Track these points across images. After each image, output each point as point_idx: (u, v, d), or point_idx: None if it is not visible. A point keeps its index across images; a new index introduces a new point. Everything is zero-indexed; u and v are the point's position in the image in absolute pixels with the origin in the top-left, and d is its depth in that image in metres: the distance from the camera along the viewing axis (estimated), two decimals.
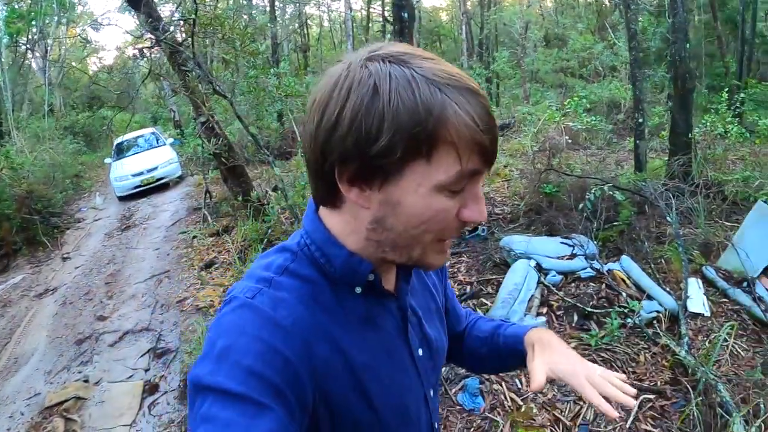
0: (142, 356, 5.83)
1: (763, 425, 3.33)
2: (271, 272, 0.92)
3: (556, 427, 3.70)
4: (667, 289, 5.03)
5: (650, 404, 3.84)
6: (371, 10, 30.84)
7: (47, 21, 25.09)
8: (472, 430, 3.77)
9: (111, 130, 19.48)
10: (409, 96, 0.77)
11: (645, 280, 5.08)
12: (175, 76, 8.63)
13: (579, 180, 7.05)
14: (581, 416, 3.77)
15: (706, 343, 4.35)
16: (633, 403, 1.07)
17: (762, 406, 3.47)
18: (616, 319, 4.55)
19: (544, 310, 4.94)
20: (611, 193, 5.98)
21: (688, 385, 3.87)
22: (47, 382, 5.61)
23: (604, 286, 5.11)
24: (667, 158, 8.05)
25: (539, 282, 5.18)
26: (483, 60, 23.78)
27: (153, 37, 7.87)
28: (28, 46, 24.08)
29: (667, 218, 5.62)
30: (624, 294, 4.93)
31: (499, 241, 6.01)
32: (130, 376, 5.49)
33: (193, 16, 7.40)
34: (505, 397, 3.98)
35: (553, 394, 3.98)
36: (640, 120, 7.95)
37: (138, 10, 8.05)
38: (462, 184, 0.83)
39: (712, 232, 6.08)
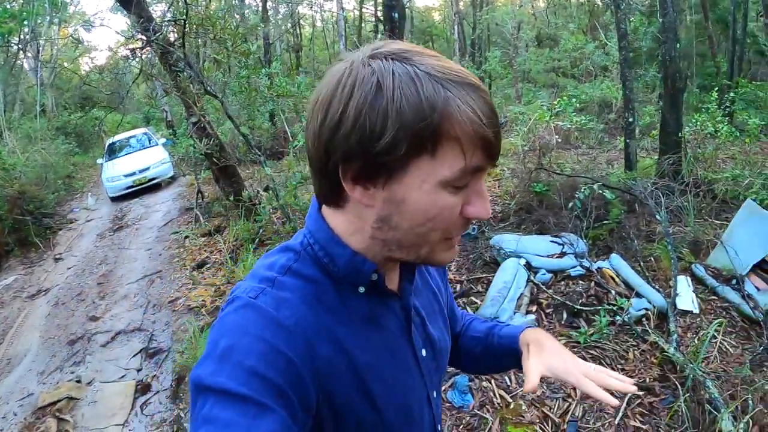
0: (134, 356, 5.83)
1: (751, 421, 3.36)
2: (274, 272, 0.92)
3: (545, 423, 3.73)
4: (657, 286, 5.07)
5: (639, 401, 3.87)
6: (364, 10, 30.86)
7: (39, 21, 24.98)
8: (461, 427, 3.79)
9: (103, 131, 19.42)
10: (412, 92, 0.77)
11: (634, 278, 5.11)
12: (166, 77, 8.62)
13: (569, 179, 7.07)
14: (570, 413, 3.79)
15: (695, 340, 4.39)
16: (634, 389, 1.07)
17: (750, 402, 3.50)
18: (605, 316, 4.58)
19: (534, 308, 4.96)
20: (601, 191, 6.00)
21: (676, 382, 3.90)
22: (40, 382, 5.60)
23: (593, 284, 5.14)
24: (657, 157, 8.09)
25: (529, 280, 5.20)
26: (475, 60, 23.80)
27: (144, 37, 7.86)
28: (20, 46, 23.95)
29: (657, 216, 5.66)
30: (613, 292, 4.97)
31: (490, 239, 6.04)
32: (123, 376, 5.49)
33: (184, 17, 7.40)
34: (495, 395, 4.00)
35: (542, 391, 4.00)
36: (631, 119, 7.98)
37: (129, 10, 8.04)
38: (466, 180, 0.83)
39: (701, 230, 6.11)
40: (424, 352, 1.08)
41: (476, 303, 5.12)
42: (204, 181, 11.62)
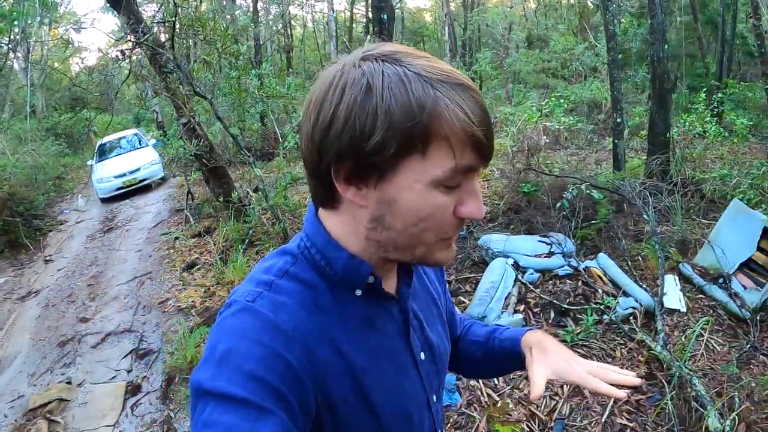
0: (124, 357, 5.82)
1: (737, 418, 3.38)
2: (271, 275, 0.92)
3: (532, 421, 3.75)
4: (644, 285, 5.10)
5: (626, 399, 3.89)
6: (354, 10, 30.86)
7: (29, 21, 24.85)
8: (448, 425, 3.80)
9: (93, 132, 19.33)
10: (401, 93, 0.78)
11: (621, 277, 5.15)
12: (156, 78, 8.60)
13: (557, 179, 7.10)
14: (557, 411, 3.81)
15: (682, 339, 4.42)
16: (638, 382, 1.08)
17: (737, 399, 3.53)
18: (591, 315, 4.61)
19: (522, 307, 4.98)
20: (589, 191, 6.03)
21: (663, 380, 3.92)
22: (31, 384, 5.59)
23: (580, 283, 5.17)
24: (645, 157, 8.13)
25: (517, 280, 5.22)
26: (465, 61, 23.83)
27: (133, 38, 7.85)
28: (10, 46, 23.83)
29: (645, 216, 5.69)
30: (600, 291, 5.00)
31: (478, 240, 6.06)
32: (113, 377, 5.48)
33: (173, 18, 7.39)
34: (482, 393, 4.01)
35: (529, 390, 4.02)
36: (619, 120, 8.02)
37: (119, 11, 8.03)
38: (457, 180, 0.83)
39: (689, 229, 6.16)
40: (423, 356, 1.08)
41: (464, 303, 5.13)
42: (194, 182, 11.60)
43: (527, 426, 3.71)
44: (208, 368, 0.79)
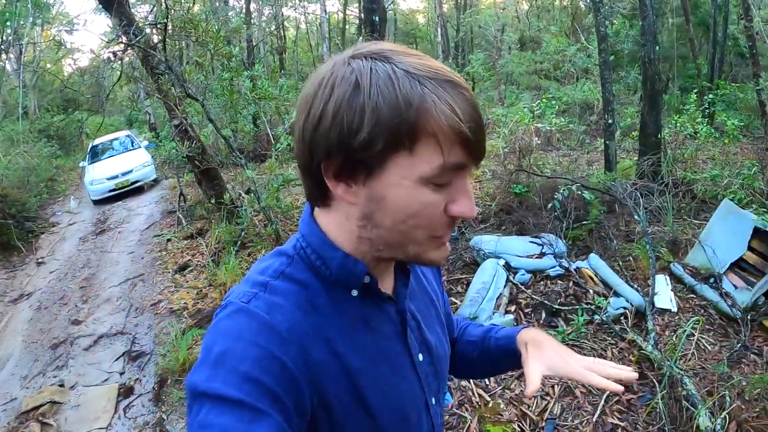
0: (116, 359, 5.80)
1: (728, 417, 3.40)
2: (267, 276, 0.92)
3: (523, 422, 3.76)
4: (635, 286, 5.13)
5: (617, 398, 3.91)
6: (348, 12, 30.85)
7: (21, 22, 24.74)
8: None
9: (86, 134, 19.25)
10: (389, 89, 0.78)
11: (612, 277, 5.17)
12: (148, 79, 8.58)
13: (549, 180, 7.13)
14: (548, 411, 3.83)
15: (673, 338, 4.43)
16: (635, 377, 1.08)
17: (727, 398, 3.55)
18: (582, 315, 4.63)
19: (513, 308, 5.00)
20: (580, 192, 6.05)
21: (654, 380, 3.93)
22: (23, 386, 5.56)
23: (572, 283, 5.19)
24: (637, 158, 8.17)
25: (508, 280, 5.24)
26: (458, 63, 23.86)
27: (125, 40, 7.83)
28: (2, 47, 23.72)
29: (636, 217, 5.71)
30: (591, 291, 5.02)
31: (470, 240, 6.07)
32: (105, 380, 5.46)
33: (165, 20, 7.38)
34: (473, 393, 4.02)
35: (521, 390, 4.03)
36: (610, 121, 8.06)
37: (111, 12, 8.01)
38: (447, 178, 0.83)
39: (680, 229, 6.19)
40: (421, 357, 1.07)
41: (456, 303, 5.13)
42: (186, 183, 11.56)
43: (518, 426, 3.72)
44: (204, 370, 0.79)
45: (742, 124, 9.81)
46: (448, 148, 0.80)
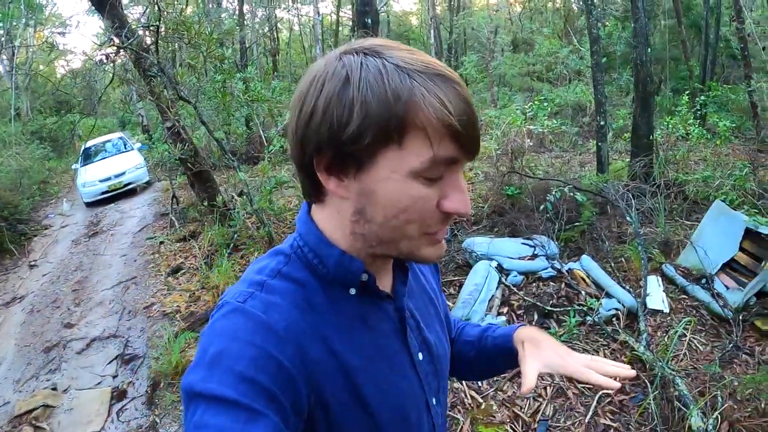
0: (109, 363, 5.78)
1: (720, 417, 3.41)
2: (263, 276, 0.92)
3: (515, 423, 3.76)
4: (627, 287, 5.14)
5: (609, 399, 3.92)
6: (341, 13, 30.84)
7: (14, 23, 24.66)
8: None
9: (78, 136, 19.16)
10: (378, 83, 0.78)
11: (605, 278, 5.18)
12: (141, 81, 8.56)
13: (541, 182, 7.14)
14: (540, 412, 3.83)
15: (665, 339, 4.44)
16: (632, 374, 1.09)
17: (719, 398, 3.56)
18: (574, 317, 4.64)
19: (505, 309, 5.00)
20: (572, 194, 6.07)
21: (646, 380, 3.95)
22: (16, 390, 5.53)
23: (564, 285, 5.19)
24: (629, 159, 8.19)
25: (500, 282, 5.24)
26: (451, 64, 23.88)
27: (118, 41, 7.81)
28: None
29: (628, 218, 5.73)
30: (583, 293, 5.02)
31: (462, 242, 6.08)
32: (98, 383, 5.44)
33: (157, 22, 7.37)
34: (466, 395, 4.02)
35: (513, 391, 4.04)
36: (602, 123, 8.08)
37: (103, 13, 7.99)
38: (438, 172, 0.83)
39: (672, 230, 6.21)
40: (420, 356, 1.06)
41: (448, 305, 5.12)
42: (179, 186, 11.55)
43: (511, 427, 3.73)
44: (200, 370, 0.78)
45: (733, 125, 9.85)
46: (438, 141, 0.80)
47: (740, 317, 4.61)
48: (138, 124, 22.77)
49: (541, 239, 5.83)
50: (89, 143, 16.33)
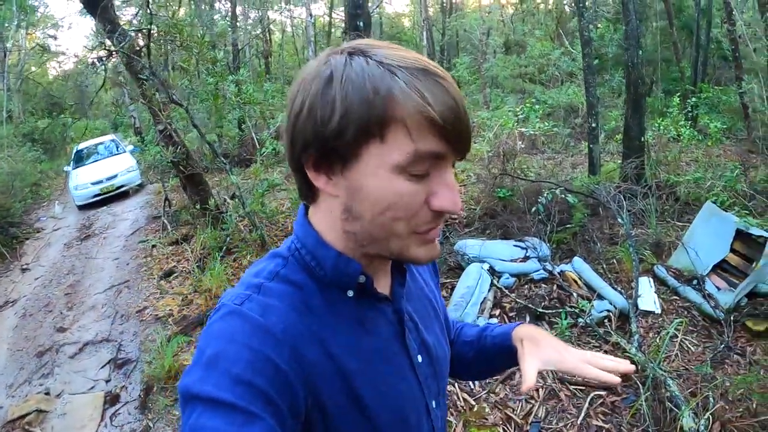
0: (102, 367, 5.76)
1: (711, 417, 3.43)
2: (261, 278, 0.92)
3: (508, 425, 3.77)
4: (619, 288, 5.15)
5: (601, 400, 3.93)
6: (333, 15, 30.83)
7: (6, 25, 24.55)
8: None
9: (71, 138, 19.10)
10: (359, 79, 0.79)
11: (596, 280, 5.19)
12: (132, 84, 8.55)
13: (533, 184, 7.16)
14: (533, 414, 3.84)
15: (657, 340, 4.45)
16: (632, 368, 1.08)
17: (711, 398, 3.58)
18: (566, 319, 4.65)
19: (497, 311, 5.01)
20: (563, 196, 6.09)
21: (638, 381, 3.95)
22: (9, 395, 5.51)
23: (556, 287, 5.20)
24: (621, 161, 8.22)
25: (492, 285, 5.25)
26: (443, 66, 23.88)
27: (110, 43, 7.80)
28: None
29: (619, 219, 5.74)
30: (575, 294, 5.04)
31: (454, 245, 6.08)
32: (92, 388, 5.42)
33: (149, 26, 7.36)
34: (458, 398, 4.03)
35: (505, 393, 4.05)
36: (594, 125, 8.11)
37: (95, 15, 7.96)
38: (423, 167, 0.82)
39: (663, 232, 6.23)
40: (419, 358, 1.06)
41: None
42: (171, 188, 11.51)
43: (503, 429, 3.73)
44: (197, 372, 0.78)
45: (724, 126, 9.91)
46: (418, 134, 0.79)
47: (731, 318, 4.64)
48: (130, 126, 22.68)
49: (533, 241, 5.84)
50: (81, 145, 16.24)
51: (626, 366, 1.08)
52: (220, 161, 8.06)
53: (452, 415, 3.89)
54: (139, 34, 8.21)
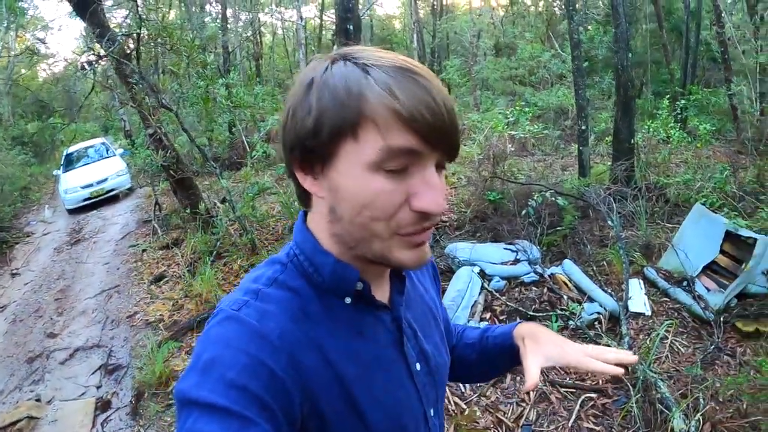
0: (93, 373, 5.73)
1: (702, 418, 3.44)
2: (259, 284, 0.92)
3: (499, 429, 3.77)
4: (609, 290, 5.17)
5: (592, 403, 3.94)
6: (324, 17, 30.83)
7: None
8: None
9: (61, 141, 19.01)
10: (334, 81, 0.81)
11: (586, 282, 5.20)
12: (122, 88, 8.52)
13: (523, 186, 7.18)
14: (524, 417, 3.85)
15: (647, 342, 4.46)
16: (635, 359, 1.10)
17: (701, 399, 3.59)
18: (557, 321, 4.66)
19: (488, 315, 5.01)
20: (553, 198, 6.10)
21: (628, 383, 3.96)
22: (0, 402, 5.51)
23: (546, 290, 5.21)
24: (611, 163, 8.25)
25: (483, 288, 5.25)
26: (434, 68, 23.92)
27: (99, 47, 7.76)
28: None
29: (609, 222, 5.76)
30: (566, 297, 5.04)
31: (444, 248, 6.09)
32: (82, 394, 5.39)
33: (138, 30, 7.34)
34: (449, 401, 4.03)
35: (497, 397, 4.05)
36: (584, 127, 8.13)
37: (84, 18, 7.93)
38: (397, 163, 0.81)
39: (653, 233, 6.25)
40: (418, 367, 1.05)
41: None
42: (162, 192, 11.48)
43: None
44: (193, 377, 0.78)
45: (714, 128, 9.93)
46: (386, 129, 0.79)
47: (721, 319, 4.65)
48: (120, 129, 22.62)
49: (524, 244, 5.85)
50: (71, 149, 16.19)
51: (629, 357, 1.09)
52: (210, 165, 8.03)
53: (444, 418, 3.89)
54: (129, 38, 8.18)
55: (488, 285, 5.31)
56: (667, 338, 4.52)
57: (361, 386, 0.92)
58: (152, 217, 10.46)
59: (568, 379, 4.22)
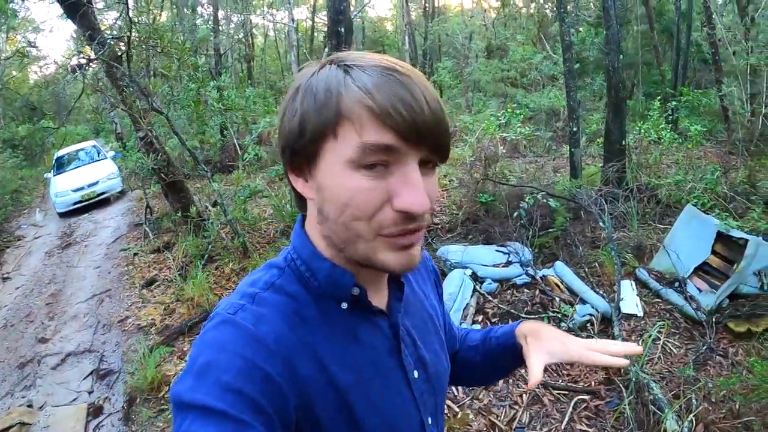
0: (85, 378, 5.71)
1: (695, 419, 3.45)
2: (256, 288, 0.92)
3: (492, 431, 3.77)
4: (601, 292, 5.18)
5: (585, 404, 3.95)
6: (316, 20, 30.83)
7: None
8: None
9: (51, 144, 18.94)
10: (318, 83, 0.83)
11: (578, 284, 5.21)
12: (113, 90, 8.49)
13: (515, 188, 7.18)
14: (517, 420, 3.85)
15: (639, 343, 4.47)
16: (640, 350, 1.07)
17: (694, 400, 3.61)
18: (549, 323, 4.65)
19: (480, 317, 5.01)
20: (545, 200, 6.11)
21: (621, 385, 3.98)
22: None
23: (538, 291, 5.22)
24: (602, 164, 8.26)
25: (475, 290, 5.25)
26: (425, 70, 23.95)
27: (90, 50, 7.73)
28: None
29: (601, 223, 5.77)
30: (558, 299, 5.05)
31: (436, 251, 6.09)
32: (74, 399, 5.37)
33: (128, 32, 7.31)
34: None
35: (489, 400, 4.05)
36: (575, 128, 8.14)
37: (75, 20, 7.89)
38: (373, 158, 0.80)
39: (645, 234, 6.26)
40: (416, 374, 1.04)
41: None
42: (153, 195, 11.43)
43: None
44: (188, 380, 0.78)
45: (705, 129, 9.95)
46: (361, 126, 0.79)
47: (713, 319, 4.67)
48: (111, 132, 22.57)
49: (515, 246, 5.85)
50: (62, 152, 16.14)
51: (634, 348, 1.09)
52: (202, 168, 8.01)
53: None
54: (120, 41, 8.15)
55: (480, 287, 5.31)
56: (660, 339, 4.53)
57: (357, 392, 0.91)
58: (143, 221, 10.44)
59: (560, 381, 4.23)
